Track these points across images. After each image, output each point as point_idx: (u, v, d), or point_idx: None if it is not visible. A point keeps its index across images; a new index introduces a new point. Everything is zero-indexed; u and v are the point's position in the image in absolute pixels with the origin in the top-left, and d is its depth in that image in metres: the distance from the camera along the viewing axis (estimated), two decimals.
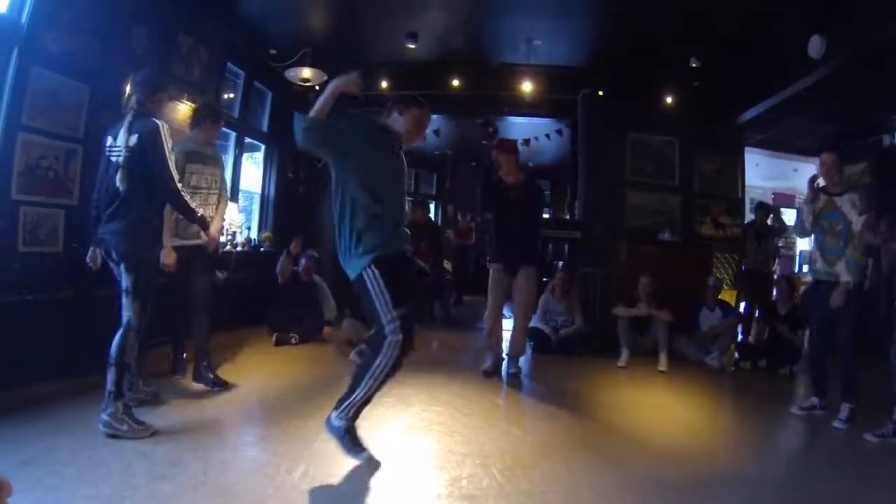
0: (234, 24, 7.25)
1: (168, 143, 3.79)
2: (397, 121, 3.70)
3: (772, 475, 3.76)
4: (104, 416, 3.61)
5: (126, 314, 3.75)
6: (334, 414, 3.49)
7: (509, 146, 6.07)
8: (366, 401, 3.49)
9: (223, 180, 5.15)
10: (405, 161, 3.71)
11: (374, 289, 3.35)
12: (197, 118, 4.97)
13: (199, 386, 4.85)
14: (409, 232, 3.67)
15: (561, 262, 10.83)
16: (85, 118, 5.02)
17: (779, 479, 3.68)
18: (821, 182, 5.01)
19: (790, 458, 4.33)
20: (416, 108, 3.71)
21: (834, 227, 4.87)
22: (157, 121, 3.79)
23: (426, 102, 3.77)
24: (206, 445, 3.60)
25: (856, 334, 4.75)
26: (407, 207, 3.73)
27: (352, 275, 3.44)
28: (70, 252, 4.60)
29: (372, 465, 3.43)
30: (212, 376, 4.94)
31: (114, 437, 3.57)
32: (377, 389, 3.44)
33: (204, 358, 4.97)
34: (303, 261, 6.97)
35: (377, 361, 3.34)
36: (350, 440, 3.46)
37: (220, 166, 5.12)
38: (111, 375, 3.63)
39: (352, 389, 3.44)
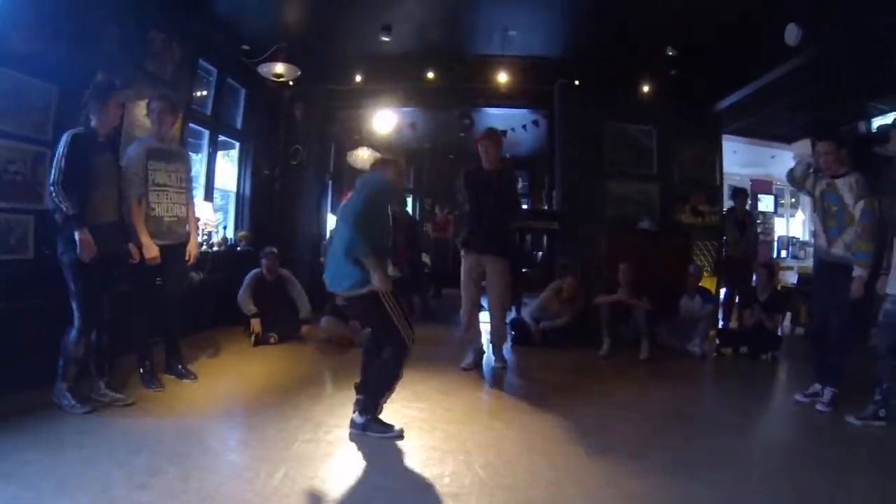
0: (206, 19, 7.12)
1: (63, 148, 3.99)
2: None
3: (754, 460, 3.79)
4: (53, 389, 4.10)
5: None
6: (357, 416, 3.94)
7: (495, 136, 6.11)
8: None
9: (189, 178, 5.14)
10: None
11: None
12: (150, 107, 4.93)
13: (174, 390, 4.80)
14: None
15: (539, 253, 10.85)
16: (53, 119, 4.84)
17: (762, 464, 3.70)
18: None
19: (773, 442, 4.33)
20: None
21: (831, 208, 4.85)
22: (71, 131, 4.06)
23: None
24: (185, 452, 3.53)
25: (850, 322, 4.74)
26: None
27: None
28: (41, 258, 4.50)
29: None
30: (181, 367, 5.07)
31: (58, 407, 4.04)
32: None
33: (176, 354, 5.11)
34: (263, 260, 6.80)
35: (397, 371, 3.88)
36: (379, 426, 3.89)
37: (186, 162, 5.10)
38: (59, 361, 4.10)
39: (376, 394, 3.92)
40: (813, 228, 5.37)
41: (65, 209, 3.95)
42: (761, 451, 4.04)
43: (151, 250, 4.60)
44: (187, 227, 5.07)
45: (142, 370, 4.83)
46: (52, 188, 3.95)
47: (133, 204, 4.59)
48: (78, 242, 3.96)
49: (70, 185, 3.95)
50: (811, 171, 5.11)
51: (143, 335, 4.89)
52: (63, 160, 3.94)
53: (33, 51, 4.70)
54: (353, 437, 3.85)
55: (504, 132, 9.96)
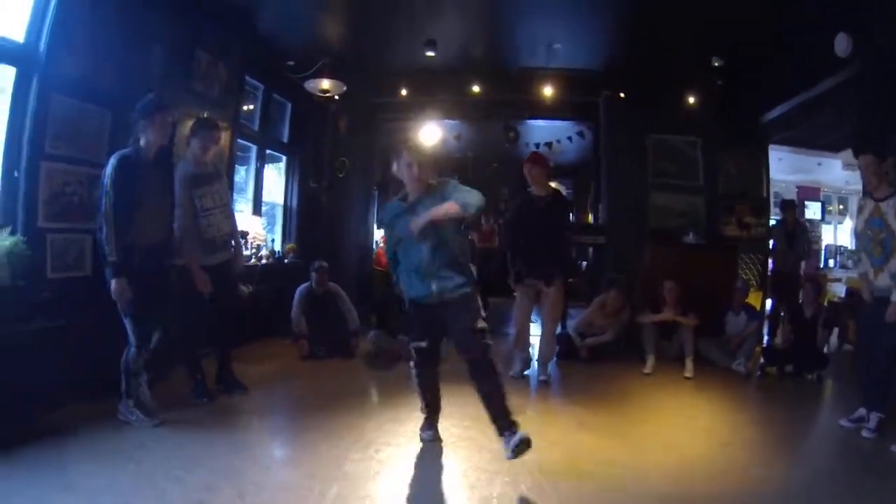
0: (251, 37, 7.26)
1: (111, 173, 4.06)
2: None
3: (798, 488, 3.74)
4: (119, 407, 4.27)
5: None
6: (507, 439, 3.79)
7: (541, 160, 6.18)
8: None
9: (227, 193, 5.33)
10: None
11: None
12: (192, 129, 5.08)
13: (226, 403, 4.95)
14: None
15: (584, 263, 10.80)
16: (107, 142, 5.02)
17: (811, 495, 3.65)
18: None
19: (817, 469, 4.25)
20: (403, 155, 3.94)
21: (877, 235, 4.65)
22: (118, 153, 4.17)
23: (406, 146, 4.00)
24: (239, 468, 3.63)
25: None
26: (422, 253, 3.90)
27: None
28: (98, 275, 4.64)
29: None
30: (231, 380, 5.24)
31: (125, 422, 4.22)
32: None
33: (227, 367, 5.27)
34: (313, 274, 6.88)
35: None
36: (424, 420, 4.30)
37: (223, 179, 5.26)
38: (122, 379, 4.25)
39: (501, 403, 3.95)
40: (856, 257, 5.19)
41: (107, 252, 4.05)
42: (805, 479, 3.96)
43: (203, 283, 4.80)
44: (232, 240, 5.24)
45: (193, 383, 4.96)
46: (101, 221, 4.05)
47: (180, 233, 4.75)
48: (112, 287, 4.09)
49: (118, 215, 4.03)
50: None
51: (192, 348, 5.05)
52: (111, 187, 4.02)
53: (85, 76, 4.88)
54: (400, 456, 3.92)
55: (549, 144, 10.04)
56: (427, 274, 3.85)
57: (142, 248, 4.21)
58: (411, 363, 4.16)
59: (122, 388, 4.24)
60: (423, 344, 4.06)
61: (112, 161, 4.07)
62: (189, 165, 4.92)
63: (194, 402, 4.84)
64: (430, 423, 4.26)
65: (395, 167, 3.97)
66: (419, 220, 3.71)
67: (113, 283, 4.08)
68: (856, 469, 4.16)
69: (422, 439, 4.19)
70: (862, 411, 4.87)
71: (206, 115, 5.68)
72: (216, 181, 5.09)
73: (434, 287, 3.84)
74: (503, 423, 3.76)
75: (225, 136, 6.40)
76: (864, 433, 4.63)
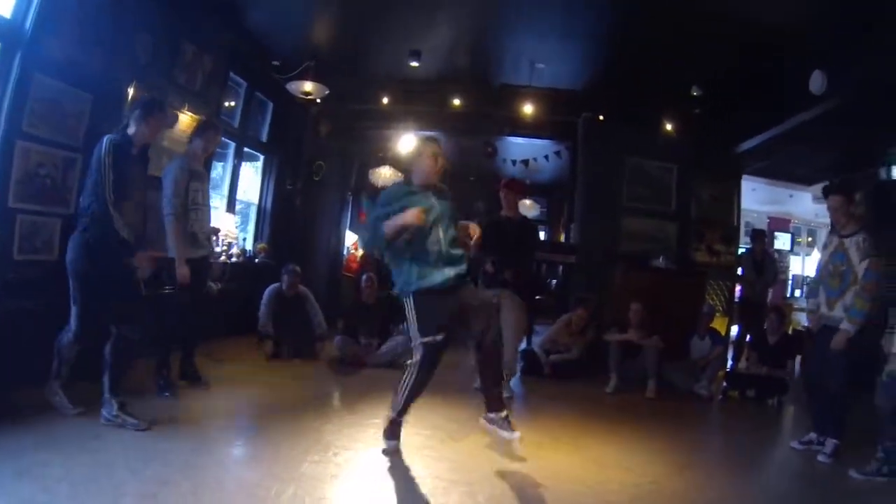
0: (238, 33, 7.27)
1: (107, 156, 3.91)
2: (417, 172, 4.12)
3: None
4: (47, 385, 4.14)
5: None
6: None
7: (518, 187, 6.48)
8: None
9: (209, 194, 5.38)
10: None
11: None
12: (199, 130, 5.19)
13: (187, 399, 4.89)
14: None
15: (554, 281, 10.87)
16: (86, 127, 4.98)
17: None
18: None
19: (773, 493, 4.31)
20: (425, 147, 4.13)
21: (838, 268, 4.80)
22: (109, 137, 4.01)
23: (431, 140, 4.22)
24: (196, 464, 3.60)
25: (846, 374, 4.69)
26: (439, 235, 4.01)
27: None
28: (65, 260, 4.60)
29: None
30: (194, 372, 5.25)
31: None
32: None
33: (190, 361, 5.28)
34: (285, 276, 6.87)
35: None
36: (389, 429, 4.09)
37: (208, 181, 5.40)
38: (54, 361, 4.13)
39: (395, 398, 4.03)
40: (813, 288, 5.30)
41: (119, 230, 3.96)
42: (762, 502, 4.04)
43: (184, 276, 4.80)
44: (212, 239, 5.30)
45: (159, 377, 4.93)
46: (96, 200, 3.92)
47: (173, 219, 4.79)
48: (139, 261, 4.14)
49: (118, 200, 3.94)
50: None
51: (165, 343, 5.01)
52: (111, 167, 3.90)
53: (69, 58, 4.84)
54: (358, 462, 3.91)
55: (526, 161, 10.13)
56: (444, 259, 3.93)
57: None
58: (413, 362, 3.98)
59: (52, 368, 4.11)
60: (440, 338, 3.90)
61: (105, 143, 3.94)
62: (188, 160, 5.01)
63: (157, 397, 4.79)
64: (398, 433, 4.10)
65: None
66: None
67: (140, 257, 4.16)
68: (811, 494, 4.24)
69: (386, 451, 4.02)
70: (812, 435, 5.01)
71: (206, 116, 5.88)
72: (206, 179, 5.22)
73: (450, 272, 3.92)
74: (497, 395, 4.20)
75: None
76: (821, 458, 4.71)
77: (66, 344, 4.09)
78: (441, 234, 3.96)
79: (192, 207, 4.95)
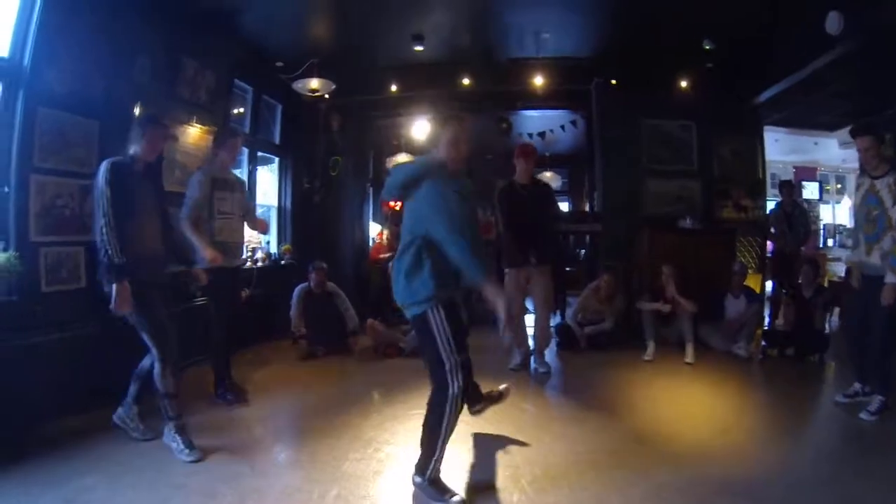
0: (238, 41, 7.24)
1: (104, 177, 3.85)
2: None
3: (804, 474, 3.71)
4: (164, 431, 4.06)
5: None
6: (415, 475, 3.37)
7: (529, 151, 6.24)
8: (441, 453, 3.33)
9: (246, 204, 5.34)
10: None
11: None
12: (219, 139, 5.23)
13: (227, 408, 4.94)
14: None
15: (583, 251, 10.78)
16: (97, 152, 4.99)
17: (811, 479, 3.63)
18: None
19: (819, 454, 4.20)
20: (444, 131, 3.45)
21: (871, 212, 4.66)
22: (110, 160, 3.96)
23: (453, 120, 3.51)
24: (239, 473, 3.63)
25: (891, 326, 4.53)
26: None
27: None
28: (93, 286, 4.60)
29: None
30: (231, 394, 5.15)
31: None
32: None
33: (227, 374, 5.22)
34: (311, 274, 6.88)
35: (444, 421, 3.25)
36: (435, 490, 3.30)
37: (244, 189, 5.35)
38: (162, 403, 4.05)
39: (428, 451, 3.32)
40: (853, 237, 5.14)
41: (111, 254, 3.82)
42: (806, 463, 3.96)
43: (214, 257, 4.72)
44: (243, 249, 5.36)
45: (218, 386, 5.07)
46: (103, 228, 3.84)
47: (187, 222, 4.79)
48: (114, 292, 3.83)
49: (118, 221, 3.86)
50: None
51: (218, 352, 5.12)
52: (108, 191, 3.84)
53: (70, 88, 4.87)
54: (401, 451, 3.90)
55: (542, 133, 10.01)
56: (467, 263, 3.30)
57: (146, 257, 4.07)
58: (448, 394, 3.22)
59: (163, 411, 4.03)
60: (465, 356, 3.31)
61: (104, 165, 3.90)
62: (213, 170, 5.04)
63: (201, 408, 4.83)
64: (444, 485, 3.36)
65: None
66: None
67: (114, 288, 3.80)
68: (856, 453, 4.13)
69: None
70: (857, 387, 4.92)
71: (228, 126, 6.01)
72: (237, 189, 5.18)
73: (463, 281, 3.38)
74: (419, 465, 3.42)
75: None
76: (863, 415, 4.60)
77: (159, 376, 3.99)
78: (471, 235, 3.28)
79: (218, 217, 4.96)
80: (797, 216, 8.43)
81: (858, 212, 4.89)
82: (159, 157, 4.37)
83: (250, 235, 7.33)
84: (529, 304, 6.49)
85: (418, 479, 3.34)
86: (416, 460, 3.37)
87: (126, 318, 3.95)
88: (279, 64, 8.10)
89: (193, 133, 6.39)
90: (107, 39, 5.20)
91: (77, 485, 3.41)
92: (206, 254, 4.71)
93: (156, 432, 4.15)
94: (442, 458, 3.31)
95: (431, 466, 3.29)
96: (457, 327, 3.28)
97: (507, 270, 6.09)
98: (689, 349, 6.56)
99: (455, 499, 3.24)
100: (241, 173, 7.94)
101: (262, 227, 6.03)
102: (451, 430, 3.27)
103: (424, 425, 3.33)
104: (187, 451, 3.89)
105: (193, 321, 5.31)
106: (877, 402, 4.61)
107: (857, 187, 4.96)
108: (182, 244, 4.58)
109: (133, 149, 4.12)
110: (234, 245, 5.14)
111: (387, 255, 8.32)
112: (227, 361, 5.21)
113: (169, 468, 3.66)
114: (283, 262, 8.33)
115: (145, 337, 3.99)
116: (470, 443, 4.14)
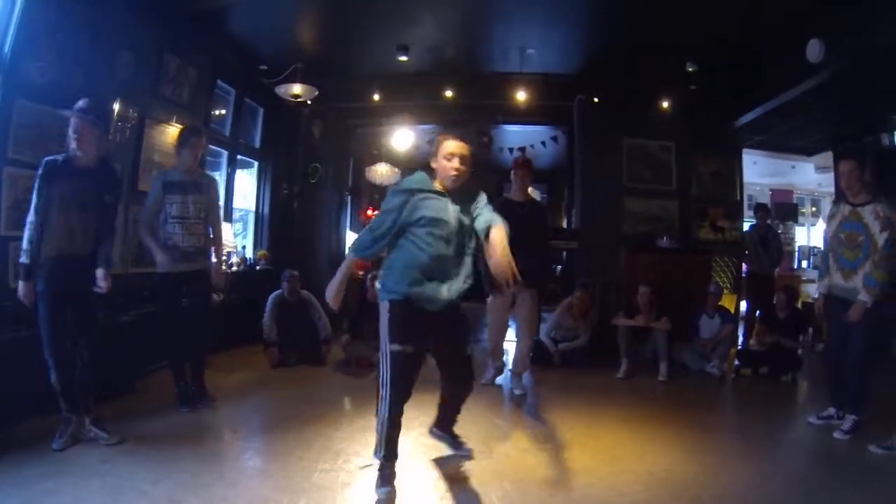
0: (222, 41, 7.21)
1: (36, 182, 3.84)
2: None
3: (772, 495, 3.72)
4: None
5: None
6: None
7: (530, 165, 6.07)
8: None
9: (212, 208, 5.13)
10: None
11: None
12: (182, 139, 5.03)
13: (195, 414, 4.83)
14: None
15: (559, 267, 10.80)
16: (73, 147, 4.90)
17: (779, 499, 3.66)
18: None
19: (791, 474, 4.17)
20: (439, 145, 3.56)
21: (855, 238, 4.72)
22: (48, 157, 3.94)
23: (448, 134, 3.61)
24: (206, 482, 3.54)
25: (866, 347, 4.64)
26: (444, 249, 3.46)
27: None
28: None
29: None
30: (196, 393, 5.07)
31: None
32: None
33: (198, 379, 5.13)
34: (284, 283, 6.81)
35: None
36: (379, 475, 3.46)
37: (210, 192, 5.12)
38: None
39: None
40: (822, 266, 5.21)
41: (22, 252, 3.85)
42: (778, 483, 3.95)
43: (162, 261, 4.73)
44: (207, 254, 5.12)
45: (178, 390, 4.93)
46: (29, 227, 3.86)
47: (140, 226, 4.82)
48: (20, 290, 3.90)
49: (36, 220, 3.84)
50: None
51: (176, 355, 5.01)
52: (35, 191, 3.83)
53: (50, 80, 4.79)
54: (372, 467, 3.79)
55: (522, 148, 10.03)
56: (443, 274, 3.42)
57: (58, 260, 3.95)
58: (381, 382, 3.44)
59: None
60: (410, 348, 3.39)
61: (42, 164, 3.87)
62: (174, 172, 4.92)
63: (168, 413, 4.74)
64: (391, 476, 3.48)
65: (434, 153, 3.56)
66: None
67: (20, 286, 3.89)
68: (829, 472, 4.16)
69: (377, 498, 3.40)
70: (832, 410, 4.98)
71: (188, 124, 5.73)
72: (197, 191, 4.97)
73: (446, 292, 3.42)
74: (452, 423, 3.98)
75: None
76: (837, 434, 4.66)
77: (51, 379, 3.97)
78: (453, 247, 3.43)
79: (170, 220, 4.81)
80: (771, 238, 8.55)
81: (833, 237, 4.93)
82: (104, 157, 4.24)
83: (226, 239, 7.25)
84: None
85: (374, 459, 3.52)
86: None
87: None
88: (263, 67, 8.05)
89: (172, 132, 6.28)
90: (90, 32, 5.13)
91: (41, 488, 3.33)
92: (157, 259, 4.71)
93: (122, 435, 4.10)
94: (391, 454, 3.46)
95: (376, 454, 3.48)
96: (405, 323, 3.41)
97: (493, 293, 5.80)
98: (663, 367, 6.59)
99: (379, 493, 3.38)
100: (220, 176, 7.88)
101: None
102: (393, 420, 3.43)
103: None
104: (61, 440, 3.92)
105: (149, 327, 5.30)
106: (849, 422, 4.67)
107: (832, 215, 5.00)
108: (107, 250, 4.41)
109: (71, 145, 4.01)
110: (191, 249, 4.91)
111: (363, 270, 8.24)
112: (182, 366, 5.03)
113: (134, 476, 3.57)
114: (258, 267, 8.25)
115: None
116: (438, 457, 4.09)
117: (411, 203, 3.41)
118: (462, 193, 3.52)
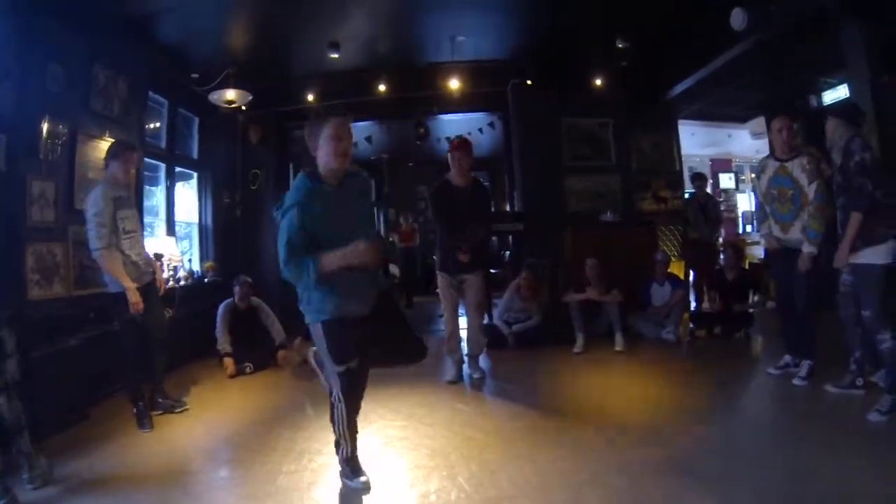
0: (152, 50, 7.04)
1: None
2: (321, 156, 3.26)
3: (741, 445, 3.84)
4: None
5: None
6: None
7: (466, 146, 5.82)
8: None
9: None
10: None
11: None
12: (112, 153, 4.91)
13: (155, 433, 4.73)
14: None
15: (507, 252, 10.87)
16: (3, 168, 4.77)
17: (749, 449, 3.76)
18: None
19: (757, 424, 4.38)
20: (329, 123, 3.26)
21: (785, 193, 4.89)
22: None
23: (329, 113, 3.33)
24: (170, 499, 3.49)
25: (812, 295, 4.84)
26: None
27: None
28: None
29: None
30: (167, 400, 5.11)
31: None
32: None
33: (161, 390, 5.15)
34: (236, 288, 6.73)
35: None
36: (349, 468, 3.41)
37: (135, 207, 5.14)
38: None
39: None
40: (758, 215, 5.44)
41: None
42: (745, 433, 4.10)
43: (136, 303, 4.64)
44: (152, 264, 5.14)
45: (135, 411, 4.82)
46: None
47: (104, 252, 4.59)
48: None
49: None
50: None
51: (130, 377, 4.92)
52: None
53: None
54: (336, 464, 3.75)
55: (460, 136, 10.02)
56: (365, 281, 3.30)
57: None
58: (334, 397, 3.37)
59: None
60: (354, 364, 3.27)
61: None
62: (114, 188, 4.79)
63: (127, 436, 4.62)
64: (359, 464, 3.43)
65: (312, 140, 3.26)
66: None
67: None
68: (792, 413, 4.37)
69: (356, 488, 3.36)
70: (787, 358, 5.19)
71: (121, 138, 5.66)
72: (134, 205, 5.02)
73: (370, 297, 3.35)
74: None
75: None
76: (796, 381, 4.86)
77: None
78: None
79: (125, 237, 4.78)
80: (711, 206, 8.71)
81: (766, 194, 5.11)
82: None
83: (171, 254, 7.14)
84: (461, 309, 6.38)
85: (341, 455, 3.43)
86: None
87: None
88: (195, 75, 7.91)
89: (105, 148, 6.12)
90: (17, 46, 5.01)
91: None
92: (132, 300, 4.61)
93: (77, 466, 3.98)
94: (351, 449, 3.41)
95: (341, 451, 3.41)
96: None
97: (439, 274, 5.84)
98: (619, 338, 6.68)
99: (355, 483, 3.34)
100: (160, 190, 7.74)
101: None
102: (351, 421, 3.41)
103: None
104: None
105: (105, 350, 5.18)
106: (805, 367, 4.88)
107: (762, 169, 5.16)
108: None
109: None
110: (143, 261, 4.97)
111: None
112: (140, 386, 4.96)
113: (96, 500, 3.51)
114: (206, 279, 8.12)
115: None
116: (403, 445, 4.11)
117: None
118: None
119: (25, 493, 3.54)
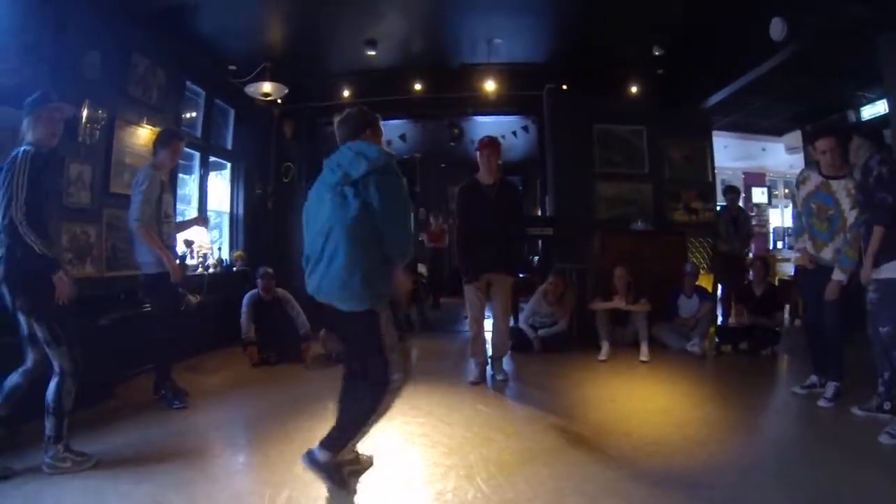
0: (190, 42, 7.16)
1: (24, 169, 3.46)
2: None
3: (760, 462, 3.76)
4: (47, 460, 3.57)
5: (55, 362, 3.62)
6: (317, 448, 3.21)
7: (495, 144, 5.85)
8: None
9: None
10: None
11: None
12: (163, 140, 5.03)
13: (175, 415, 4.79)
14: None
15: (536, 258, 10.84)
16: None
17: (767, 466, 3.69)
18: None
19: (777, 442, 4.28)
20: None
21: (825, 210, 4.74)
22: (26, 149, 3.55)
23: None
24: (188, 480, 3.51)
25: (841, 316, 4.71)
26: None
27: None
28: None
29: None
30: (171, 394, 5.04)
31: (60, 474, 3.53)
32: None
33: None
34: (258, 280, 6.78)
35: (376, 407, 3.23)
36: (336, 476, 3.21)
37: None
38: (50, 422, 3.57)
39: (342, 431, 3.27)
40: (796, 226, 5.24)
41: (42, 246, 3.48)
42: (766, 451, 4.03)
43: (176, 270, 4.83)
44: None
45: (163, 391, 4.94)
46: (14, 216, 3.41)
47: (143, 225, 4.70)
48: (61, 282, 3.55)
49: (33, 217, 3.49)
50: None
51: (164, 357, 5.03)
52: (27, 179, 3.44)
53: (18, 84, 4.67)
54: None
55: (494, 139, 10.03)
56: None
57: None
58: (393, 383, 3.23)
59: (47, 434, 3.58)
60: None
61: (21, 154, 3.50)
62: (154, 171, 4.88)
63: (150, 415, 4.71)
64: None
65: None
66: None
67: (61, 278, 3.53)
68: (815, 436, 4.26)
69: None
70: (814, 378, 5.06)
71: (170, 127, 5.82)
72: (171, 191, 5.19)
73: None
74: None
75: None
76: (821, 402, 4.74)
77: (66, 392, 3.60)
78: None
79: (165, 220, 4.91)
80: (742, 220, 8.63)
81: (804, 206, 4.93)
82: (55, 149, 3.87)
83: (201, 241, 7.22)
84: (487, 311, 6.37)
85: (322, 457, 3.18)
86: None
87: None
88: (232, 67, 8.01)
89: (143, 134, 6.24)
90: (55, 32, 5.09)
91: (22, 491, 3.30)
92: (171, 267, 4.76)
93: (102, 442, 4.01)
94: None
95: (332, 446, 3.22)
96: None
97: (466, 287, 5.77)
98: (644, 348, 6.64)
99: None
100: (193, 179, 7.84)
101: None
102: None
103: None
104: (83, 458, 3.66)
105: (134, 330, 5.25)
106: (832, 388, 4.76)
107: (803, 180, 4.96)
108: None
109: (30, 136, 3.68)
110: (174, 246, 5.14)
111: None
112: (169, 364, 5.08)
113: (116, 478, 3.52)
114: (235, 268, 8.20)
115: (51, 351, 3.62)
116: (422, 442, 4.11)
117: None
118: None
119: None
